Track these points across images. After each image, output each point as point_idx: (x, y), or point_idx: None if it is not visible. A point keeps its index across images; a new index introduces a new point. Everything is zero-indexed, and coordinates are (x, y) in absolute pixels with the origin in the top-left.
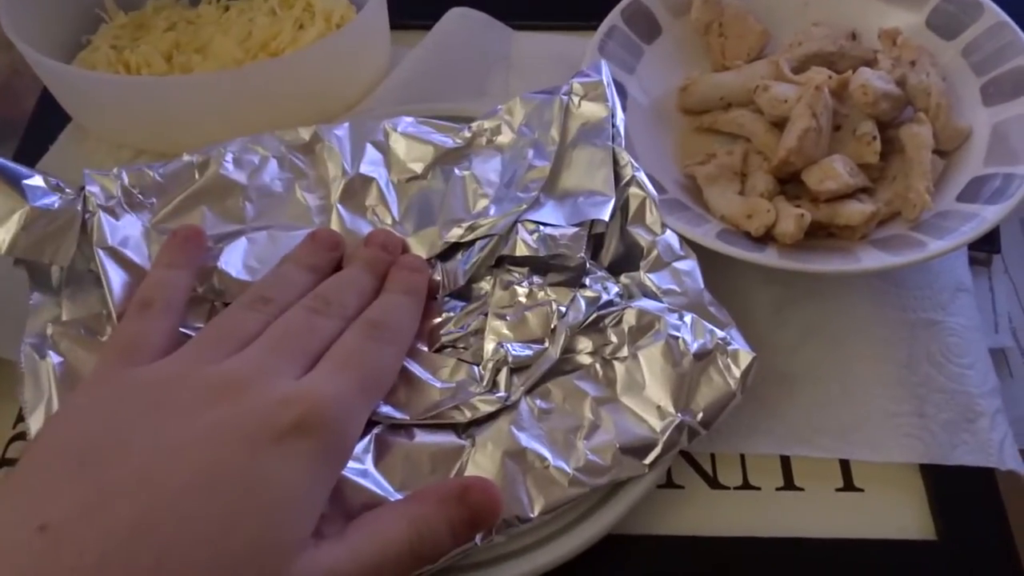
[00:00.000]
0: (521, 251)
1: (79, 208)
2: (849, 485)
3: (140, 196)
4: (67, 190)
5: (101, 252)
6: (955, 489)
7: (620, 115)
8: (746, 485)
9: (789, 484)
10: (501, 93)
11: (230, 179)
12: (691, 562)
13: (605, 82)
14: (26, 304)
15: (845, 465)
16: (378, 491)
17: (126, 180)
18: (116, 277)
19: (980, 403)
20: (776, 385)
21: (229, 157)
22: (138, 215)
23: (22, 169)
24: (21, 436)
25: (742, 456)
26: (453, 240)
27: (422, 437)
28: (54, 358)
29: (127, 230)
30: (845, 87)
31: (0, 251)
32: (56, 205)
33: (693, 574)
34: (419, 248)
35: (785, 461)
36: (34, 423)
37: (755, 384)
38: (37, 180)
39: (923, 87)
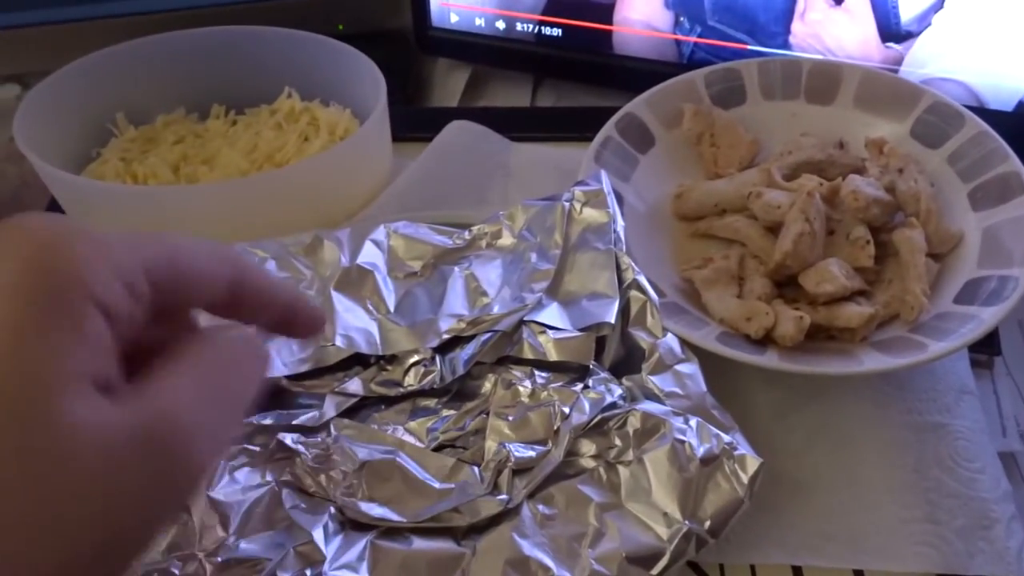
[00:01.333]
0: (527, 354)
1: None
2: None
3: None
4: None
5: None
6: None
7: (620, 221)
8: None
9: None
10: (500, 201)
11: None
12: None
13: (605, 190)
14: None
15: (859, 575)
16: None
17: None
18: None
19: (994, 509)
20: (784, 491)
21: None
22: None
23: None
24: None
25: (752, 567)
26: (454, 333)
27: (419, 543)
28: None
29: None
30: (836, 193)
31: None
32: None
33: None
34: (413, 341)
35: (797, 572)
36: None
37: (762, 490)
38: None
39: (912, 193)
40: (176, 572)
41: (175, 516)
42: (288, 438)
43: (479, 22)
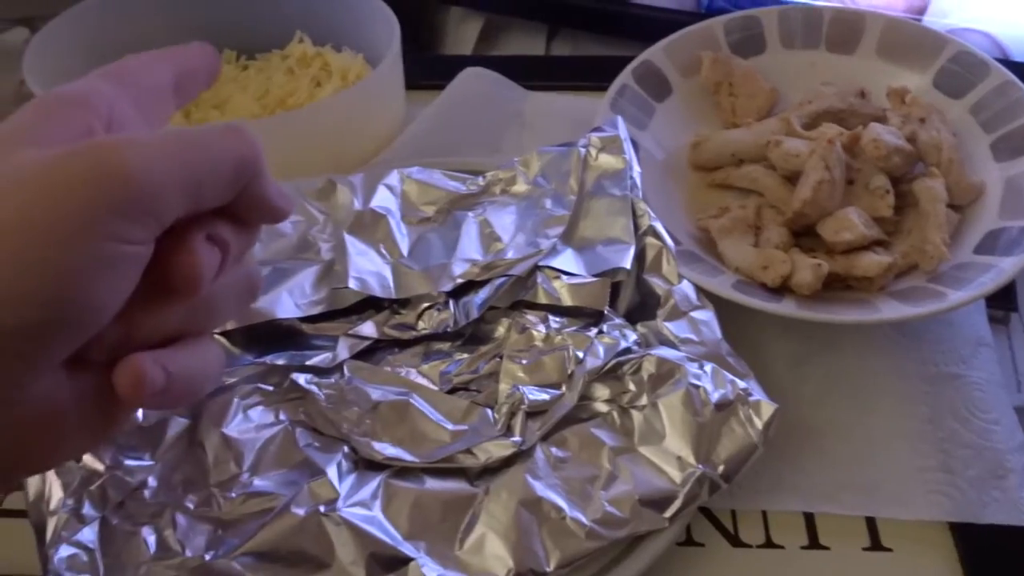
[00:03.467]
0: (541, 299)
1: None
2: (877, 544)
3: None
4: None
5: None
6: (986, 548)
7: (636, 167)
8: (769, 543)
9: (814, 543)
10: (514, 149)
11: None
12: None
13: (622, 136)
14: None
15: (872, 523)
16: (385, 538)
17: None
18: None
19: (1009, 459)
20: (798, 440)
21: None
22: None
23: None
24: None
25: (764, 513)
26: (468, 278)
27: (432, 483)
28: None
29: None
30: (857, 142)
31: None
32: None
33: None
34: (427, 285)
35: (809, 518)
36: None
37: (776, 438)
38: None
39: (934, 143)
40: (190, 507)
41: (131, 271)
42: (302, 378)
43: None
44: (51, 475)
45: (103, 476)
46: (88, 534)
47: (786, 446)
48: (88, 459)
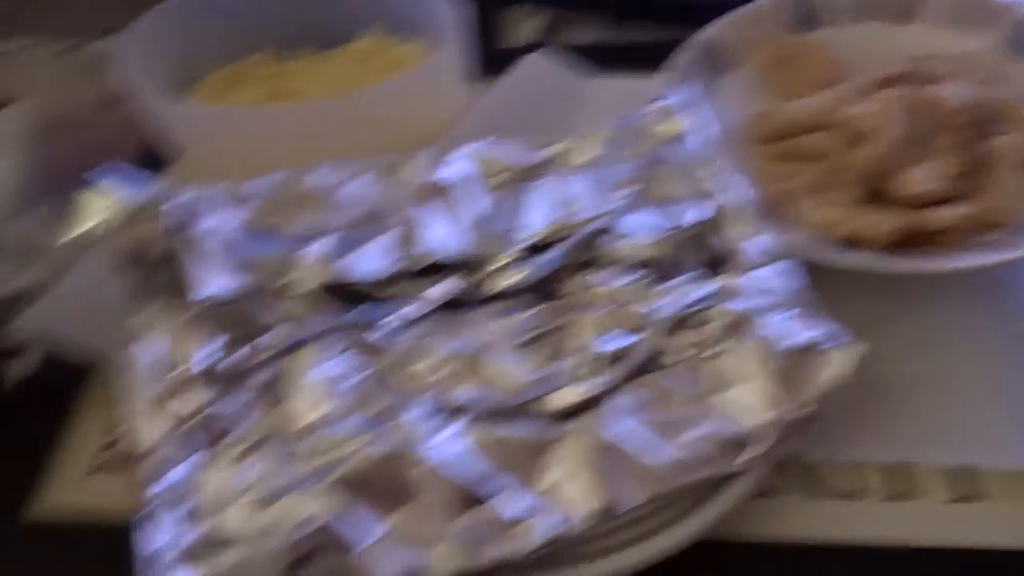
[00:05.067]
0: (611, 257)
1: (174, 203)
2: (967, 494)
3: (231, 202)
4: (165, 193)
5: (186, 240)
6: None
7: (703, 130)
8: (852, 494)
9: (901, 493)
10: (576, 132)
11: (317, 190)
12: (793, 571)
13: (689, 102)
14: (121, 305)
15: (961, 472)
16: (469, 475)
17: (220, 187)
18: (198, 266)
19: None
20: (882, 392)
21: (318, 173)
22: (227, 217)
23: (124, 176)
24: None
25: (847, 463)
26: (540, 238)
27: (511, 427)
28: (147, 346)
29: (220, 224)
30: (929, 100)
31: (96, 239)
32: (152, 202)
33: None
34: (498, 247)
35: (895, 469)
36: (127, 414)
37: (859, 390)
38: (137, 183)
39: (1009, 102)
40: (279, 446)
41: None
42: (378, 334)
43: None
44: (147, 418)
45: (195, 417)
46: (182, 470)
47: (869, 397)
48: (182, 399)
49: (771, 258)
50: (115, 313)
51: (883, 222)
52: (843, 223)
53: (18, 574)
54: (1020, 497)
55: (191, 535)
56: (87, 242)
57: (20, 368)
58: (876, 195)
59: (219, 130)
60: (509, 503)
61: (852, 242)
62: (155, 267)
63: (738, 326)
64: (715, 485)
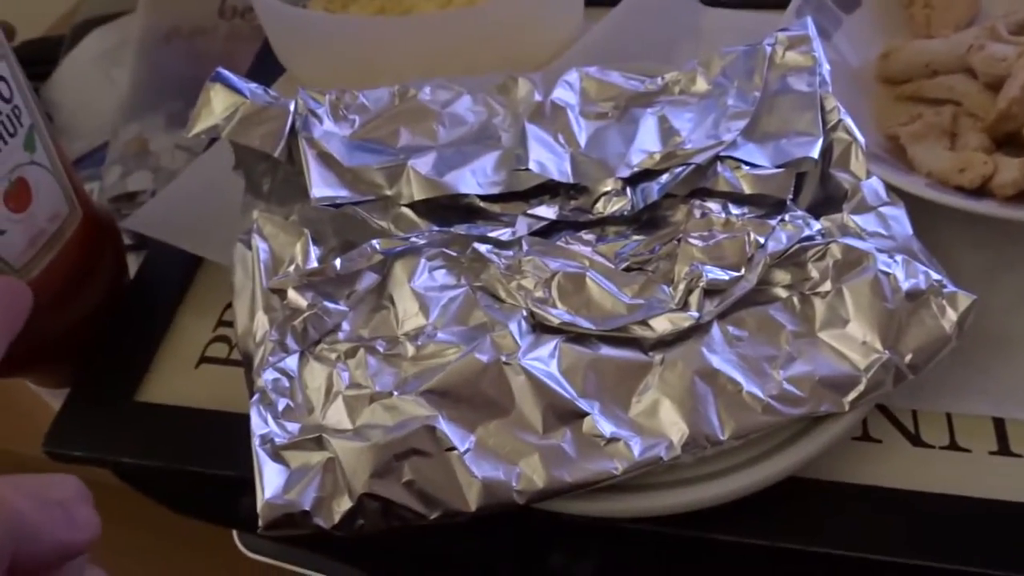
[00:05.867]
0: (722, 187)
1: (291, 108)
2: None
3: (344, 111)
4: (281, 99)
5: (305, 142)
6: None
7: (825, 64)
8: (953, 446)
9: (1004, 449)
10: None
11: (426, 106)
12: (889, 514)
13: (811, 34)
14: (230, 206)
15: None
16: (563, 392)
17: (334, 96)
18: (315, 167)
19: None
20: (989, 346)
21: (427, 89)
22: (340, 126)
23: (242, 81)
24: (222, 339)
25: (949, 416)
26: (646, 167)
27: (607, 350)
28: (260, 244)
29: (330, 132)
30: None
31: (220, 135)
32: (271, 103)
33: (890, 527)
34: (605, 173)
35: (999, 424)
36: (239, 307)
37: (966, 342)
38: (255, 87)
39: None
40: (380, 350)
41: None
42: (482, 247)
43: None
44: (259, 312)
45: (304, 313)
46: (291, 363)
47: (976, 350)
48: (293, 296)
49: (885, 200)
50: (225, 214)
51: (1015, 170)
52: (968, 170)
53: (129, 450)
54: None
55: (295, 425)
56: (208, 138)
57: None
58: (1007, 141)
59: (333, 38)
60: (603, 424)
61: (978, 189)
62: (269, 168)
63: (848, 265)
64: (814, 423)
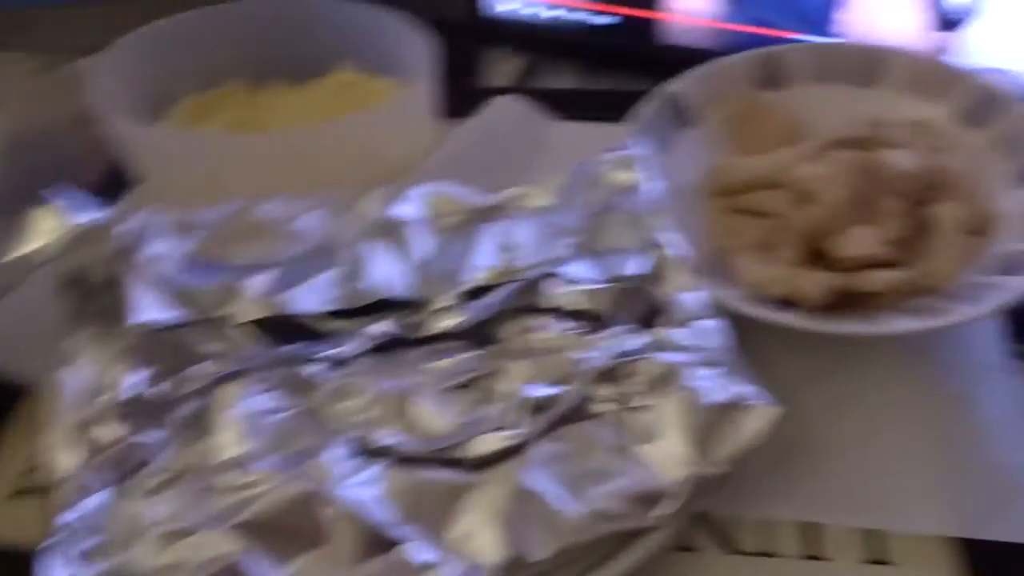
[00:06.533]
0: (551, 303)
1: (125, 228)
2: (879, 558)
3: (185, 228)
4: (118, 216)
5: (131, 264)
6: (991, 564)
7: (653, 183)
8: (766, 552)
9: (813, 553)
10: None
11: (268, 222)
12: None
13: (639, 154)
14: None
15: (873, 535)
16: (380, 520)
17: (176, 213)
18: (139, 290)
19: (1019, 478)
20: (800, 451)
21: (270, 205)
22: (179, 243)
23: (74, 199)
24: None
25: (762, 521)
26: (483, 282)
27: (429, 472)
28: (71, 373)
29: (165, 252)
30: (874, 164)
31: (39, 261)
32: (100, 225)
33: None
34: (440, 289)
35: (809, 528)
36: (47, 441)
37: (778, 448)
38: (89, 204)
39: (953, 170)
40: (193, 482)
41: None
42: (312, 369)
43: (531, 11)
44: (64, 447)
45: (114, 447)
46: (95, 501)
47: (787, 456)
48: (102, 430)
49: (704, 313)
50: (51, 337)
51: (818, 283)
52: (780, 281)
53: None
54: (925, 562)
55: (94, 569)
56: (31, 262)
57: None
58: (817, 256)
59: (183, 155)
60: (418, 550)
61: (788, 301)
62: (96, 292)
63: (664, 379)
64: (629, 538)
